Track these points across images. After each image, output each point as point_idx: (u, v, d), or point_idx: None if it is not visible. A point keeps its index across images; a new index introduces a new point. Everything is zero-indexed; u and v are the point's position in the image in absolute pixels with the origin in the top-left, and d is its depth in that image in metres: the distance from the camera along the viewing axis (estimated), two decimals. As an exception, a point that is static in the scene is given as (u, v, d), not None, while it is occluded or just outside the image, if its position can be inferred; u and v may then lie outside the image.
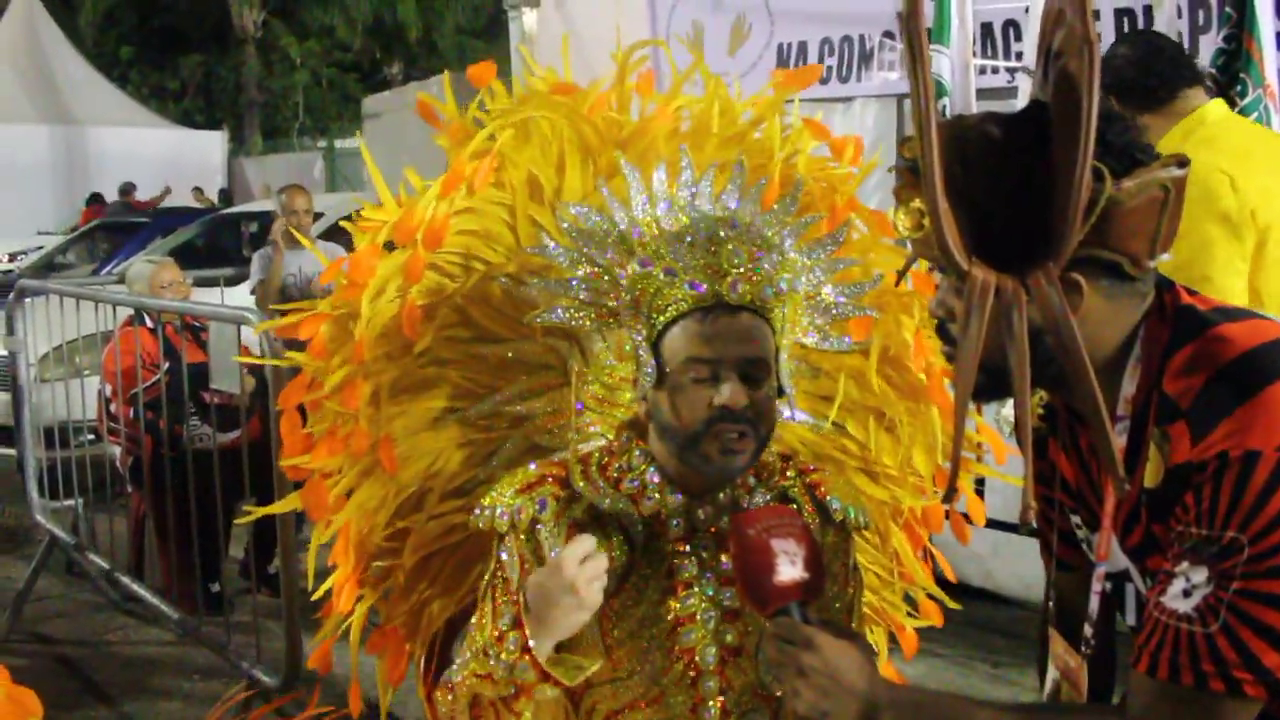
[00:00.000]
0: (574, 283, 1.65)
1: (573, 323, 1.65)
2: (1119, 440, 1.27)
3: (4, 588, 4.91)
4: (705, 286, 1.49)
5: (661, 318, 1.51)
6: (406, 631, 1.91)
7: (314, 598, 1.87)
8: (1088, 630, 1.39)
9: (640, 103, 1.91)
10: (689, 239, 1.53)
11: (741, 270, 1.49)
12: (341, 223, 1.86)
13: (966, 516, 2.08)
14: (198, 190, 13.61)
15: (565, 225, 1.67)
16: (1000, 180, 1.19)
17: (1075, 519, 1.46)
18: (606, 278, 1.64)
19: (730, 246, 1.50)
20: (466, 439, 1.84)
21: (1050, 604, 1.50)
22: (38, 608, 4.74)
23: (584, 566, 1.45)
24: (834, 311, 1.72)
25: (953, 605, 2.07)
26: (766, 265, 1.52)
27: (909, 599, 2.10)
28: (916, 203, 1.19)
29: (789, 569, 1.38)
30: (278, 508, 2.03)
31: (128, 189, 13.59)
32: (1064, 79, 1.14)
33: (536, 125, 1.81)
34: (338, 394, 1.76)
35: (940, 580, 2.09)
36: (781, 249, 1.63)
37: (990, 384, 1.22)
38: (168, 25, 21.27)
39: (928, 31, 4.31)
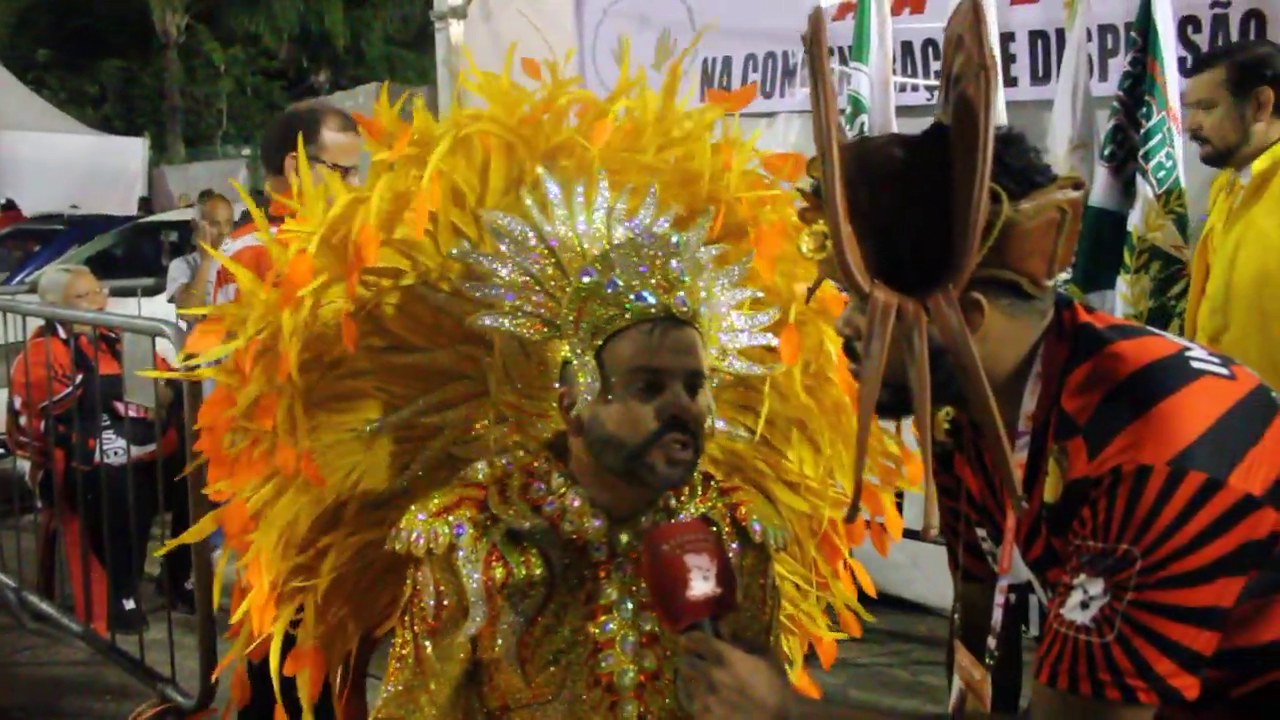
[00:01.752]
0: (510, 297, 1.64)
1: (518, 331, 1.64)
2: (1020, 455, 1.30)
3: (-95, 608, 4.76)
4: (652, 298, 1.49)
5: (608, 326, 1.51)
6: (324, 650, 1.88)
7: (232, 619, 1.83)
8: (991, 642, 1.42)
9: (580, 116, 1.89)
10: (639, 251, 1.53)
11: (686, 284, 1.51)
12: (262, 234, 1.81)
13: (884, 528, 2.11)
14: (144, 200, 13.14)
15: (492, 230, 1.66)
16: (903, 201, 1.21)
17: (981, 532, 1.50)
18: (538, 287, 1.63)
19: (676, 260, 1.51)
20: (384, 451, 1.82)
21: (956, 616, 1.53)
22: (-58, 628, 4.60)
23: None
24: (746, 337, 1.75)
25: (868, 618, 2.10)
26: (703, 282, 1.55)
27: (830, 609, 2.12)
28: (820, 225, 1.22)
29: (702, 584, 1.39)
30: (192, 534, 1.97)
31: (9, 205, 13.08)
32: (962, 103, 1.18)
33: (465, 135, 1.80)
34: (253, 411, 1.73)
35: (860, 591, 2.11)
36: (704, 268, 1.65)
37: (895, 401, 1.25)
38: (86, 28, 20.77)
39: (848, 49, 4.42)
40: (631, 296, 1.49)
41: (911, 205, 1.21)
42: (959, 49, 1.21)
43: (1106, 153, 3.72)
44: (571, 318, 1.56)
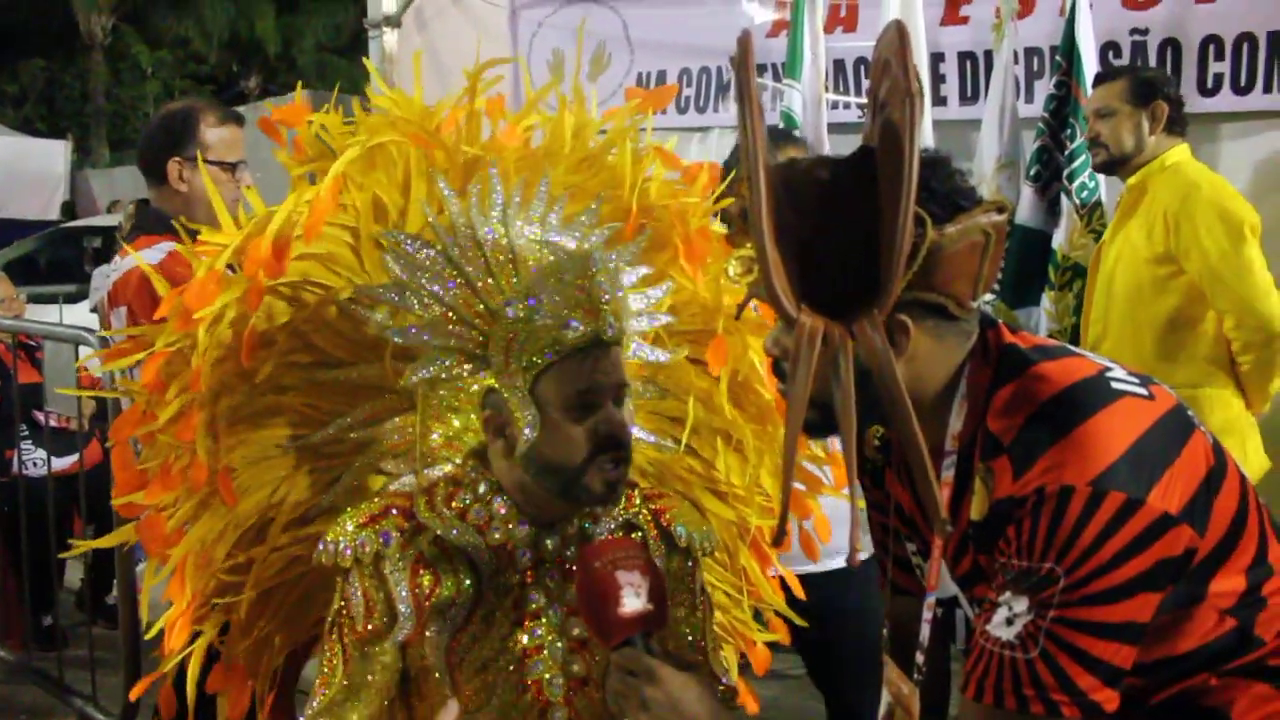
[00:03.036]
0: (428, 337, 1.62)
1: (449, 376, 1.62)
2: (947, 474, 1.32)
3: None
4: (583, 326, 1.48)
5: (538, 360, 1.49)
6: (248, 667, 1.85)
7: (148, 635, 1.80)
8: (919, 657, 1.44)
9: (491, 123, 1.88)
10: (561, 277, 1.52)
11: (611, 305, 1.50)
12: (177, 247, 1.78)
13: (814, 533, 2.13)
14: (67, 204, 12.75)
15: (397, 260, 1.64)
16: (828, 225, 1.23)
17: (910, 546, 1.52)
18: (454, 316, 1.62)
19: (600, 281, 1.50)
20: (309, 467, 1.80)
21: (885, 630, 1.56)
22: None
23: None
24: (642, 322, 1.74)
25: (801, 623, 2.12)
26: (620, 295, 1.54)
27: (763, 618, 2.13)
28: (748, 248, 1.23)
29: (633, 601, 1.40)
30: (109, 540, 1.94)
31: None
32: (888, 129, 1.20)
33: (381, 147, 1.78)
34: (172, 426, 1.70)
35: (793, 600, 2.13)
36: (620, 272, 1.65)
37: (822, 420, 1.26)
38: (7, 26, 20.22)
39: (781, 66, 4.47)
40: (561, 329, 1.48)
41: (837, 229, 1.23)
42: (885, 73, 1.23)
43: (1032, 173, 3.81)
44: (500, 353, 1.54)
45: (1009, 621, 1.21)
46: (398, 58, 6.41)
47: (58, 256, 9.16)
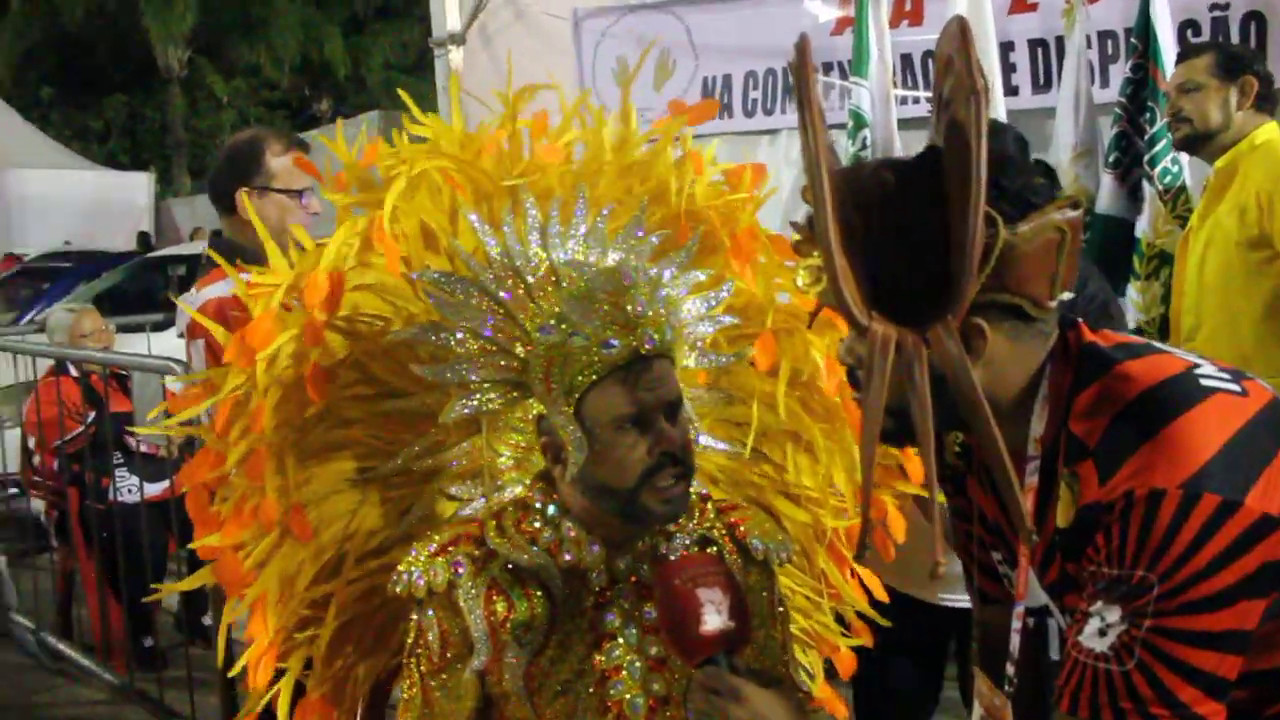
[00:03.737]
0: (473, 374, 1.62)
1: (491, 407, 1.61)
2: (1031, 480, 1.28)
3: (-75, 651, 4.76)
4: (620, 343, 1.47)
5: (580, 380, 1.48)
6: (332, 699, 1.86)
7: (231, 673, 1.82)
8: (1010, 668, 1.40)
9: (533, 141, 1.87)
10: (592, 296, 1.51)
11: (647, 319, 1.48)
12: (238, 289, 1.80)
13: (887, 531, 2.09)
14: (142, 235, 13.14)
15: (431, 296, 1.64)
16: (897, 229, 1.20)
17: (996, 554, 1.48)
18: (494, 348, 1.61)
19: (633, 297, 1.49)
20: (380, 498, 1.80)
21: (973, 642, 1.52)
22: (-39, 671, 4.61)
23: None
24: (703, 327, 1.72)
25: (884, 623, 2.08)
26: (662, 307, 1.52)
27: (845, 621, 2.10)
28: (815, 257, 1.20)
29: (715, 618, 1.38)
30: (190, 583, 1.97)
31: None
32: (953, 127, 1.16)
33: (426, 174, 1.78)
34: (242, 467, 1.72)
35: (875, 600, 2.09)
36: (661, 281, 1.64)
37: (900, 428, 1.23)
38: (90, 65, 20.89)
39: (848, 64, 4.42)
40: (600, 347, 1.47)
41: (905, 232, 1.20)
42: (949, 70, 1.20)
43: (1111, 160, 3.71)
44: (540, 379, 1.54)
45: (1101, 632, 1.17)
46: (464, 74, 6.48)
47: (143, 286, 9.40)
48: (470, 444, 1.79)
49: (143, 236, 13.17)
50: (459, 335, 1.62)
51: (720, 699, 1.33)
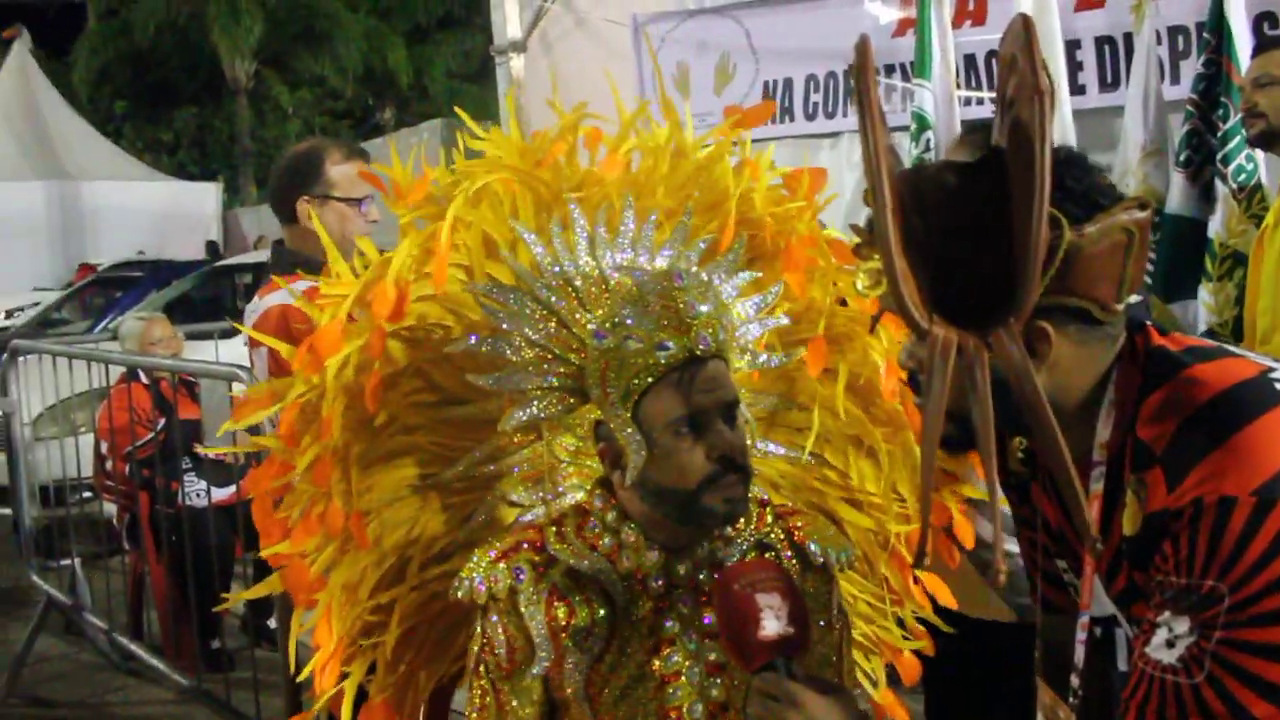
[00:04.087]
0: (524, 382, 1.62)
1: (548, 414, 1.62)
2: (1096, 486, 1.25)
3: (2, 650, 4.88)
4: (674, 345, 1.46)
5: (636, 383, 1.48)
6: (395, 704, 1.88)
7: (299, 679, 1.85)
8: (1074, 680, 1.36)
9: (590, 152, 1.88)
10: (644, 299, 1.51)
11: (700, 319, 1.48)
12: (296, 302, 1.83)
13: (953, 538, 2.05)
14: (211, 244, 13.41)
15: (485, 305, 1.65)
16: (959, 231, 1.18)
17: (1061, 563, 1.45)
18: (550, 355, 1.62)
19: (685, 298, 1.48)
20: (442, 504, 1.82)
21: (1037, 653, 1.48)
22: (36, 669, 4.71)
23: None
24: (753, 329, 1.71)
25: (947, 630, 2.05)
26: (715, 307, 1.52)
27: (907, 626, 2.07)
28: (875, 260, 1.19)
29: (773, 624, 1.37)
30: (258, 591, 1.99)
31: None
32: (1018, 128, 1.14)
33: (488, 186, 1.79)
34: (309, 474, 1.74)
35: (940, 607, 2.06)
36: (712, 284, 1.63)
37: (961, 434, 1.20)
38: (161, 79, 21.36)
39: (910, 65, 4.37)
40: (653, 350, 1.47)
41: (967, 234, 1.17)
42: (1012, 70, 1.18)
43: (1182, 158, 3.62)
44: (596, 384, 1.54)
45: (1170, 644, 1.13)
46: (525, 82, 6.53)
47: (212, 294, 9.59)
48: (531, 450, 1.80)
49: (211, 246, 13.44)
50: (515, 343, 1.63)
51: (778, 705, 1.32)
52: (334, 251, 1.81)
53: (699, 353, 1.47)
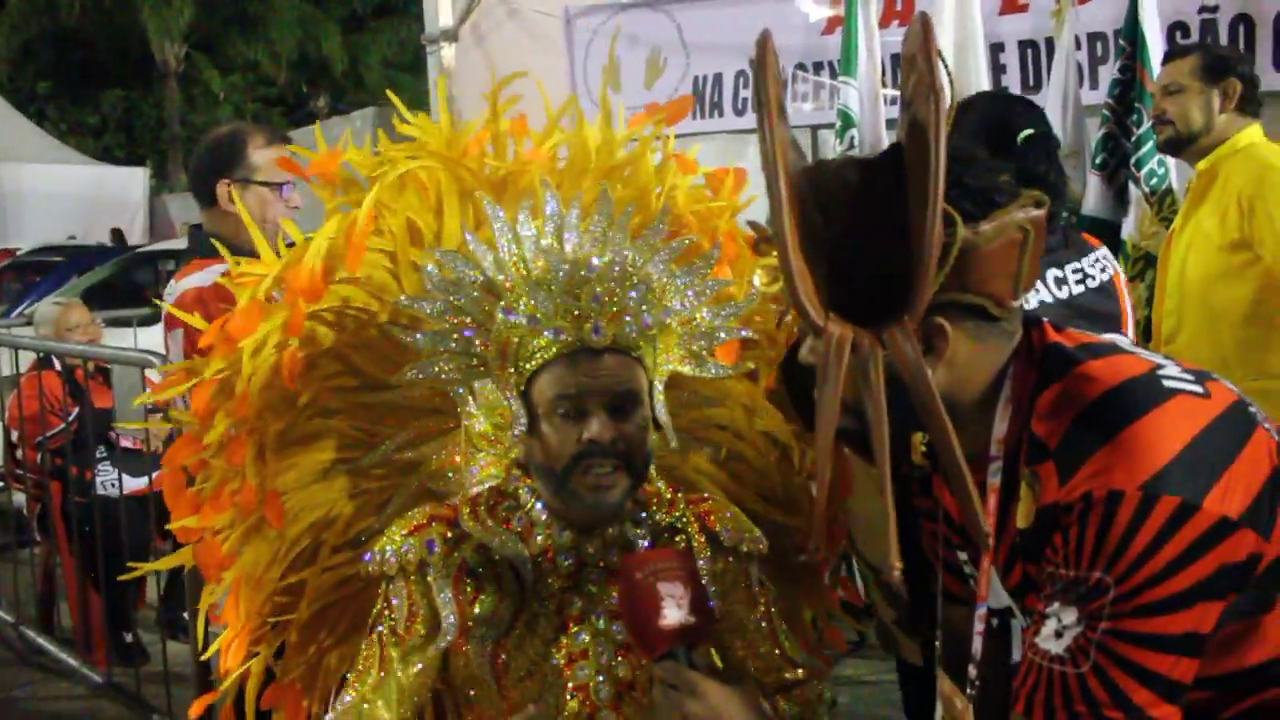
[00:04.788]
0: (445, 338, 1.62)
1: (443, 376, 1.63)
2: (993, 480, 1.27)
3: (-97, 643, 4.74)
4: (567, 333, 1.50)
5: (528, 365, 1.52)
6: (304, 686, 1.87)
7: (204, 656, 1.83)
8: (972, 670, 1.38)
9: (516, 143, 1.90)
10: (550, 284, 1.54)
11: (603, 312, 1.50)
12: (220, 279, 1.81)
13: None
14: (116, 231, 13.13)
15: (431, 274, 1.65)
16: (856, 226, 1.19)
17: (962, 555, 1.47)
18: (475, 326, 1.62)
19: (591, 289, 1.51)
20: (359, 489, 1.81)
21: (938, 642, 1.50)
22: (-60, 664, 4.59)
23: None
24: (714, 336, 1.71)
25: (861, 628, 2.07)
26: (631, 303, 1.53)
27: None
28: (773, 258, 1.19)
29: (674, 613, 1.39)
30: (168, 562, 2.01)
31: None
32: (914, 127, 1.15)
33: (413, 173, 1.80)
34: (222, 451, 1.73)
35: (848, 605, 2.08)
36: (648, 280, 1.63)
37: (861, 428, 1.21)
38: (87, 59, 20.81)
39: (837, 63, 4.40)
40: (548, 333, 1.50)
41: (865, 230, 1.18)
42: (911, 69, 1.19)
43: (1098, 161, 3.70)
44: (496, 359, 1.57)
45: (1058, 634, 1.16)
46: (456, 71, 6.47)
47: (135, 280, 9.39)
48: (448, 438, 1.79)
49: (116, 233, 13.06)
50: (439, 305, 1.63)
51: (677, 693, 1.33)
52: (257, 233, 1.80)
53: (591, 342, 1.49)
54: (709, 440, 1.92)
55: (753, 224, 1.27)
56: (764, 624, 1.66)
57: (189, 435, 1.81)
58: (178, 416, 1.87)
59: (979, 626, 1.37)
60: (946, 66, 1.14)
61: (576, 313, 1.50)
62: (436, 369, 1.62)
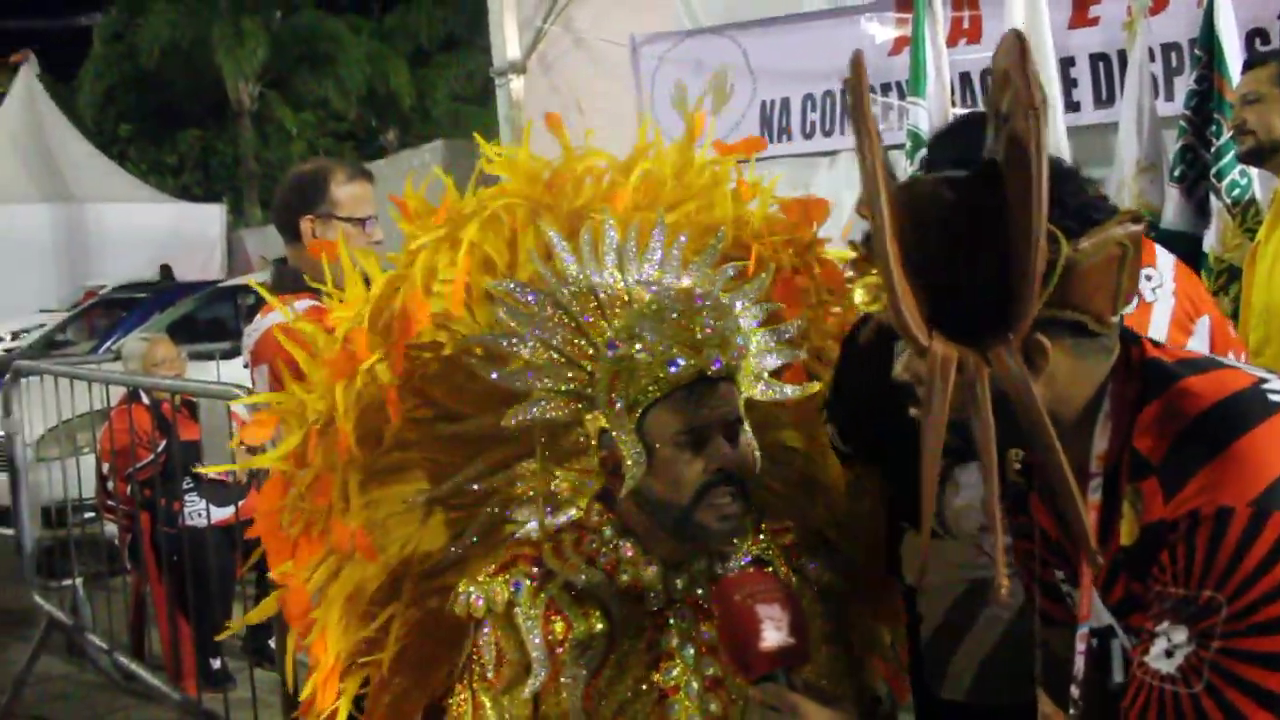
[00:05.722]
0: (534, 378, 1.61)
1: (548, 416, 1.60)
2: (1094, 498, 1.26)
3: (3, 670, 4.88)
4: (685, 362, 1.48)
5: (643, 398, 1.50)
6: None
7: (302, 695, 1.85)
8: (1075, 690, 1.36)
9: (594, 176, 1.91)
10: (661, 314, 1.52)
11: (714, 340, 1.49)
12: (293, 321, 1.85)
13: None
14: (165, 267, 13.40)
15: (504, 305, 1.66)
16: (955, 246, 1.18)
17: (1059, 574, 1.45)
18: (563, 360, 1.62)
19: (702, 318, 1.50)
20: (437, 520, 1.82)
21: (1037, 663, 1.48)
22: (38, 690, 4.72)
23: None
24: (774, 358, 1.72)
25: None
26: (729, 331, 1.53)
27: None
28: (873, 276, 1.19)
29: (774, 635, 1.38)
30: (254, 616, 2.00)
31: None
32: (1013, 143, 1.15)
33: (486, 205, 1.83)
34: (310, 493, 1.76)
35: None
36: (732, 309, 1.64)
37: (961, 444, 1.21)
38: (165, 102, 21.46)
39: (905, 84, 4.38)
40: (663, 366, 1.48)
41: (964, 249, 1.18)
42: (1006, 85, 1.18)
43: (1177, 174, 3.64)
44: (604, 393, 1.55)
45: (1169, 653, 1.13)
46: (525, 103, 6.56)
47: (215, 314, 9.62)
48: (527, 467, 1.80)
49: (165, 269, 13.32)
50: (530, 344, 1.63)
51: (778, 715, 1.32)
52: (350, 266, 1.82)
53: (710, 373, 1.48)
54: (781, 463, 1.92)
55: (853, 243, 1.27)
56: (842, 662, 1.65)
57: (278, 477, 1.83)
58: (266, 461, 1.88)
59: (1081, 646, 1.34)
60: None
61: (692, 343, 1.49)
62: (538, 410, 1.60)
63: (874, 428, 1.81)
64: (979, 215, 1.18)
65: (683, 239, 1.77)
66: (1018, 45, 1.17)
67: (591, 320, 1.63)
